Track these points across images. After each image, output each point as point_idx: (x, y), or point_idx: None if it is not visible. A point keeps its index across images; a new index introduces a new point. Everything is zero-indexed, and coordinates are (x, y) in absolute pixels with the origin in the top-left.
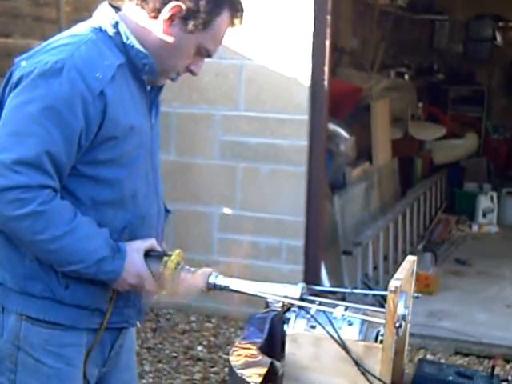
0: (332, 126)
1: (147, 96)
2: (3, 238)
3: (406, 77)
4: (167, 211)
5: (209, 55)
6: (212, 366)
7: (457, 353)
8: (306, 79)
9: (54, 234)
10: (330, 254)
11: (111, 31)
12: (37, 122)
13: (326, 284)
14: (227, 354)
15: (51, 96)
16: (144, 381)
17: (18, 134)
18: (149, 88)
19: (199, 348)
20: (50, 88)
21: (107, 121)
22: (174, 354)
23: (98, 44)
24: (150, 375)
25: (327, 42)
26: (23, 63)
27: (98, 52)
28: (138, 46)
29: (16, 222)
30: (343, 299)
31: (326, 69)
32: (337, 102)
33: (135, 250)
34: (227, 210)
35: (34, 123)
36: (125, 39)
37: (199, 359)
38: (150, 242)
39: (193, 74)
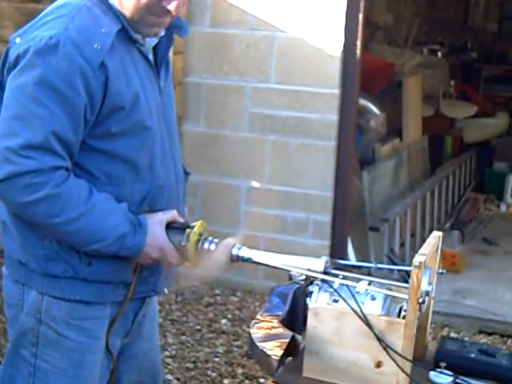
0: (363, 102)
1: (151, 57)
2: (20, 222)
3: (439, 54)
4: (186, 173)
5: None
6: (236, 340)
7: (481, 331)
8: (337, 53)
9: (71, 216)
10: (357, 230)
11: None
12: (39, 103)
13: (353, 260)
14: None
15: (50, 75)
16: (167, 353)
17: (22, 117)
18: (153, 43)
19: (223, 321)
20: (48, 66)
21: (110, 92)
22: (198, 327)
23: (93, 10)
24: (174, 347)
25: (360, 16)
26: (17, 40)
27: (93, 20)
28: (118, 8)
29: (31, 207)
30: (369, 274)
31: (359, 43)
32: (369, 78)
33: (157, 223)
34: (255, 184)
35: (37, 105)
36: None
37: (223, 332)
38: (172, 214)
39: (170, 13)
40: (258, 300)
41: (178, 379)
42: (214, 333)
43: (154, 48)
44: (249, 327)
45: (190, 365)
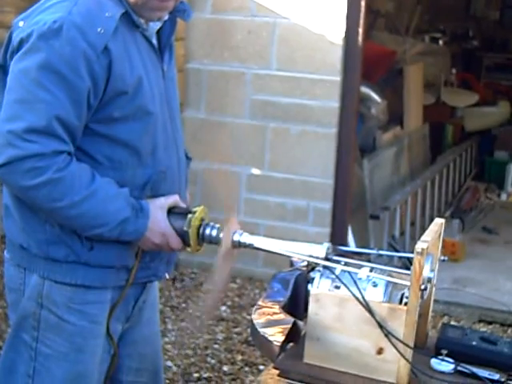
0: (364, 89)
1: (155, 41)
2: (22, 205)
3: (441, 42)
4: (188, 158)
5: None
6: (235, 327)
7: (480, 320)
8: (339, 40)
9: (73, 200)
10: (357, 218)
11: None
12: (42, 87)
13: (353, 247)
14: (251, 315)
15: (53, 59)
16: (166, 339)
17: (25, 101)
18: (156, 27)
19: (223, 308)
20: (51, 50)
21: (113, 76)
22: (198, 314)
23: None
24: (173, 333)
25: (362, 3)
26: (21, 24)
27: (97, 4)
28: None
29: (34, 191)
30: (368, 261)
31: (361, 30)
32: (370, 65)
33: (159, 207)
34: (255, 171)
35: (40, 89)
36: None
37: (222, 319)
38: (173, 199)
39: None
40: (258, 287)
41: (177, 366)
42: (213, 319)
43: (158, 32)
44: (248, 314)
45: (189, 351)
